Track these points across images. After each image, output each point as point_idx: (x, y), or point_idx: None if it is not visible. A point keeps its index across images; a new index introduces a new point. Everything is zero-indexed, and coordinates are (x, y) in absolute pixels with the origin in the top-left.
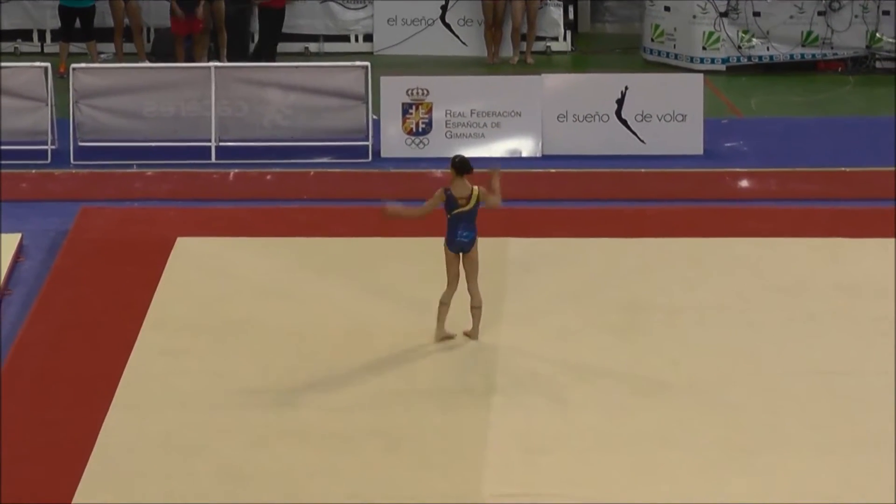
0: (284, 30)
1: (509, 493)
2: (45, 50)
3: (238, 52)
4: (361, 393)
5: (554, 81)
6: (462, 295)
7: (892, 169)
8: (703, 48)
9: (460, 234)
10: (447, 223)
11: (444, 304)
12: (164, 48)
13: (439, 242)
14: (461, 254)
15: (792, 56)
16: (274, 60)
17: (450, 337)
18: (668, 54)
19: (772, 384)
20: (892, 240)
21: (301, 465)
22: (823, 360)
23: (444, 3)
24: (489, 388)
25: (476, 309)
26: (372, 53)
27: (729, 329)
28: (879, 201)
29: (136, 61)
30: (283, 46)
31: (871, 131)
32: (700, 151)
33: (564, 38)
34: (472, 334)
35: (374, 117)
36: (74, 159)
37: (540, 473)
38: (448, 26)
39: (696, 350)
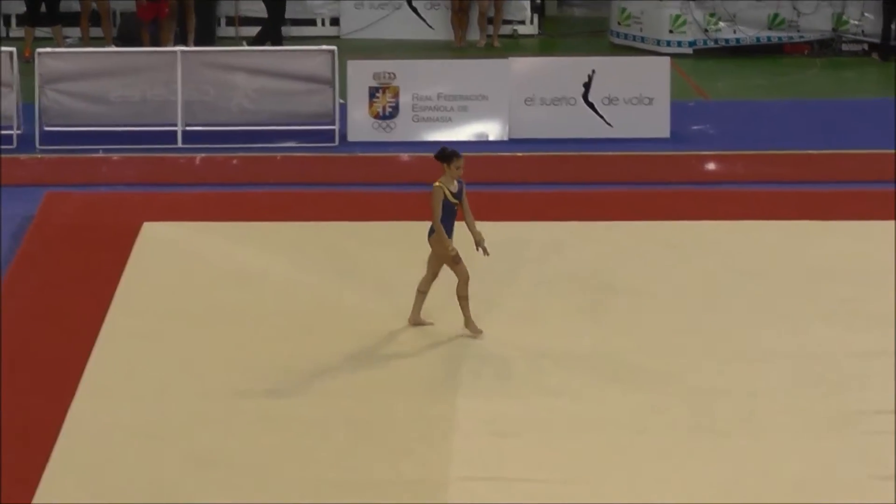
0: (249, 13)
1: (477, 476)
2: (11, 34)
3: (204, 37)
4: (331, 379)
5: (521, 65)
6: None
7: (859, 151)
8: (670, 31)
9: None
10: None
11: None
12: (130, 33)
13: (408, 227)
14: None
15: (758, 39)
16: (281, 43)
17: (426, 323)
18: (634, 37)
19: (741, 367)
20: (861, 222)
21: (270, 451)
22: (793, 343)
23: None
24: (457, 373)
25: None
26: (339, 37)
27: (698, 312)
28: (848, 183)
29: (103, 46)
30: (249, 30)
31: (839, 114)
32: (667, 134)
33: (531, 22)
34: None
35: (341, 101)
36: (40, 144)
37: (508, 457)
38: (415, 10)
39: (665, 333)
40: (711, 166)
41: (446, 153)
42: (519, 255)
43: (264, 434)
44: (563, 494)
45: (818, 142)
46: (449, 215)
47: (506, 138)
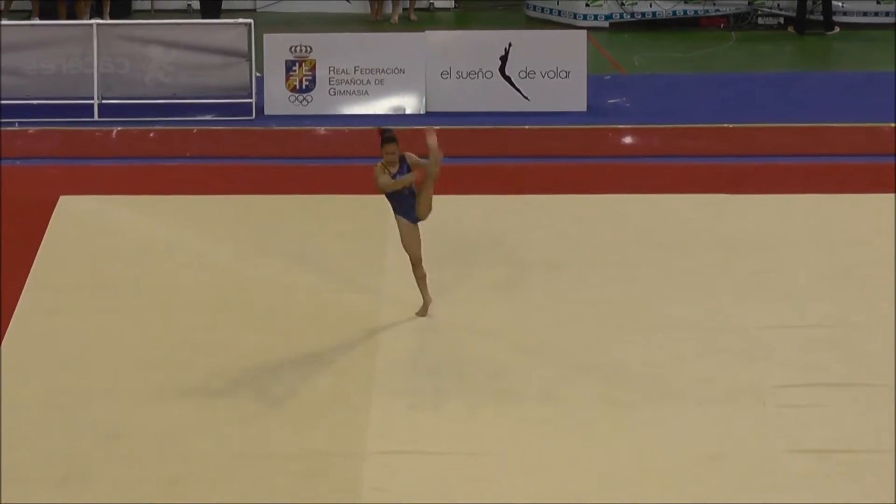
0: None
1: (392, 449)
2: None
3: (120, 10)
4: (244, 352)
5: (437, 38)
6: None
7: (773, 125)
8: (587, 5)
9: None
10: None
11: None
12: (46, 6)
13: (325, 200)
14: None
15: (675, 12)
16: (218, 16)
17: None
18: (551, 11)
19: (653, 339)
20: (774, 196)
21: (183, 424)
22: (704, 315)
23: None
24: (373, 347)
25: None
26: (255, 10)
27: (611, 286)
28: (762, 157)
29: (30, 18)
30: (164, 4)
31: (753, 87)
32: (584, 108)
33: None
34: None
35: (258, 75)
36: None
37: (423, 430)
38: None
39: (579, 307)
40: (628, 140)
41: (383, 136)
42: (434, 228)
43: (175, 406)
44: (477, 467)
45: (733, 115)
46: (400, 200)
47: (422, 111)
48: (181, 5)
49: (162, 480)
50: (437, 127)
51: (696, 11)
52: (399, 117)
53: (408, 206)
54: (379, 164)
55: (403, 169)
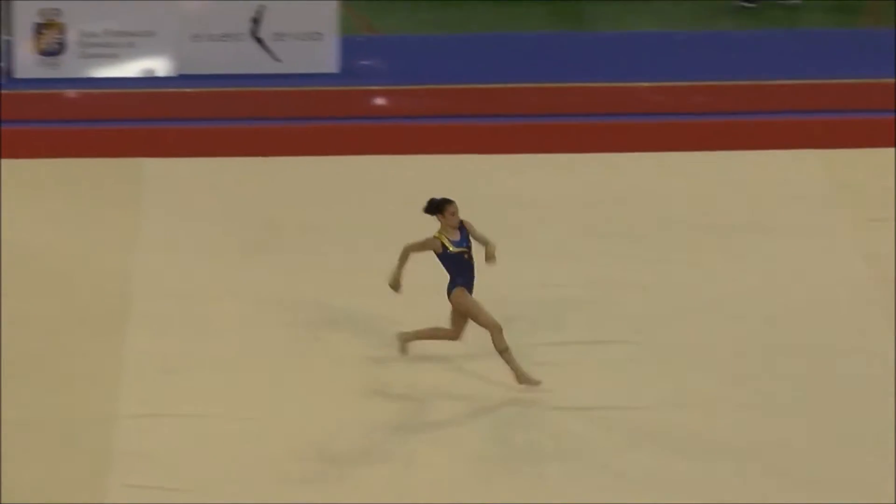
0: None
1: (146, 412)
2: None
3: None
4: None
5: (190, 2)
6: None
7: (523, 85)
8: None
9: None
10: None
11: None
12: None
13: (76, 164)
14: None
15: None
16: None
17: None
18: None
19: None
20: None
21: None
22: None
23: None
24: (127, 309)
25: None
26: None
27: (367, 249)
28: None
29: None
30: None
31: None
32: (336, 69)
33: None
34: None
35: (7, 38)
36: None
37: (180, 393)
38: None
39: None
40: (380, 101)
41: (434, 204)
42: (178, 192)
43: None
44: (237, 429)
45: (488, 76)
46: (461, 268)
47: (175, 74)
48: None
49: None
50: (190, 90)
51: None
52: (151, 80)
53: (468, 274)
54: (437, 233)
55: (463, 235)
